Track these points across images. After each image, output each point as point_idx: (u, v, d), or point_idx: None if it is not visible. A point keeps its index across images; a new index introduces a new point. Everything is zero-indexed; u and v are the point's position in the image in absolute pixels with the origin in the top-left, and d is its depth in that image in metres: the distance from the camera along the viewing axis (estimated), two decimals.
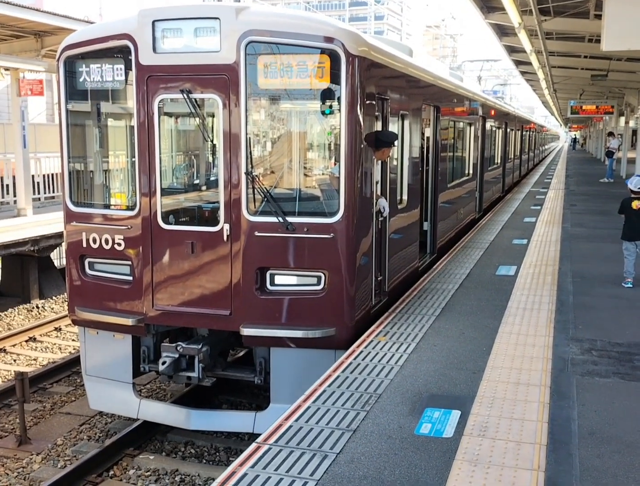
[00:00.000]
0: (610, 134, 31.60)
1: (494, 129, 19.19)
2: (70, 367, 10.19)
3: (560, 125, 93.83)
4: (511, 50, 23.92)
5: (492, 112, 18.45)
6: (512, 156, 25.88)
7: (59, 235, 13.76)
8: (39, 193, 18.82)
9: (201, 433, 7.72)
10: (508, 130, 23.21)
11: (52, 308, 13.91)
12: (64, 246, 7.91)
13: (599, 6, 13.76)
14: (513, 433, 4.68)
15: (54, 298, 14.50)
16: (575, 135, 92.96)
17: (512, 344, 6.61)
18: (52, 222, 14.28)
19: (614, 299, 8.56)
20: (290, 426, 4.81)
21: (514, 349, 6.46)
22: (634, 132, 36.12)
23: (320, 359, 6.71)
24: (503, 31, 20.28)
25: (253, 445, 4.54)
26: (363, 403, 5.18)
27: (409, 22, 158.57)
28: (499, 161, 21.13)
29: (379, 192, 7.59)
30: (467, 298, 8.39)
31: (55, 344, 11.62)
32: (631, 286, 9.09)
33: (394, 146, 7.82)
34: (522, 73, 32.75)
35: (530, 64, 22.11)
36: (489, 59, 54.47)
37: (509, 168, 24.34)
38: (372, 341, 6.67)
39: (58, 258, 16.50)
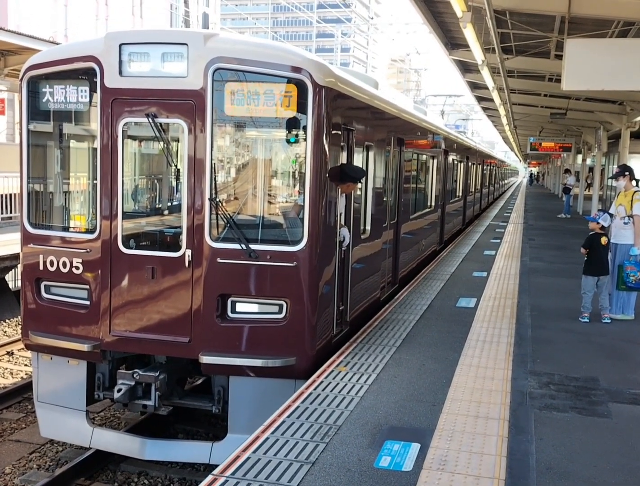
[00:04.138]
0: (567, 171, 32.37)
1: (455, 162, 19.49)
2: (21, 393, 9.88)
3: (520, 160, 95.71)
4: (474, 86, 24.47)
5: (454, 146, 18.76)
6: (473, 190, 26.29)
7: (15, 257, 13.45)
8: None
9: (155, 464, 7.52)
10: (469, 164, 23.60)
11: (5, 331, 13.54)
12: (19, 268, 7.72)
13: (559, 47, 14.19)
14: (472, 467, 4.67)
15: (7, 321, 14.13)
16: (532, 171, 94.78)
17: (472, 376, 6.63)
18: (8, 243, 13.94)
19: (571, 333, 8.68)
20: (248, 458, 4.72)
21: (473, 382, 6.49)
22: (591, 169, 37.04)
23: (280, 389, 6.63)
24: (466, 68, 20.74)
25: (209, 477, 4.44)
26: (322, 435, 5.13)
27: (374, 56, 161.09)
28: (460, 194, 21.43)
29: (342, 222, 7.61)
30: (428, 329, 8.41)
31: (6, 369, 11.29)
32: (588, 321, 9.24)
33: (360, 182, 7.86)
34: (484, 109, 33.47)
35: (492, 100, 22.60)
36: (452, 94, 55.53)
37: (469, 201, 24.71)
38: (332, 371, 6.62)
39: (13, 280, 16.10)
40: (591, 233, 9.35)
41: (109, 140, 6.76)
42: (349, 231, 7.72)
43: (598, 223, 9.23)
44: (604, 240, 9.14)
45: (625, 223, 9.40)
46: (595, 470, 4.78)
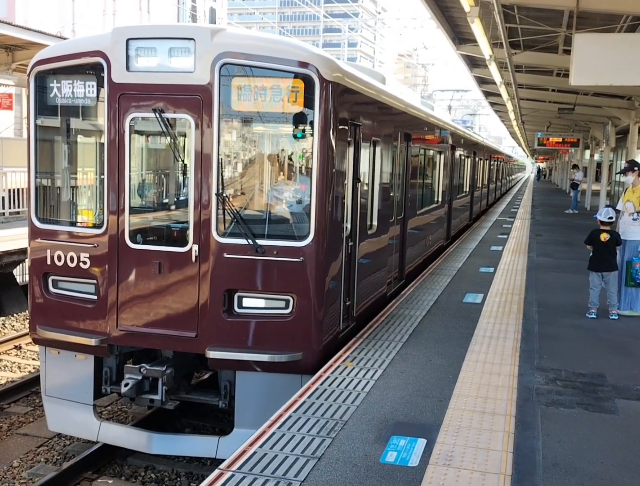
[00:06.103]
0: (575, 166, 32.26)
1: (463, 158, 19.44)
2: (29, 387, 9.93)
3: (527, 156, 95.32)
4: (481, 81, 24.39)
5: (462, 141, 18.71)
6: (480, 185, 26.21)
7: (23, 251, 13.49)
8: (3, 208, 18.47)
9: (162, 458, 7.55)
10: (477, 159, 23.52)
11: (13, 326, 13.60)
12: (27, 262, 7.74)
13: (567, 42, 14.12)
14: (478, 463, 4.67)
15: (15, 315, 14.18)
16: (539, 166, 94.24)
17: (478, 372, 6.63)
18: (15, 238, 13.98)
19: (578, 329, 8.66)
20: (255, 453, 4.73)
21: (479, 377, 6.48)
22: (599, 165, 36.89)
23: (286, 384, 6.64)
24: (474, 62, 20.67)
25: (216, 472, 4.45)
26: (329, 430, 5.13)
27: (381, 50, 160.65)
28: (467, 190, 21.38)
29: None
30: (435, 325, 8.41)
31: (14, 363, 11.34)
32: (595, 316, 9.21)
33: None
34: (492, 104, 33.38)
35: (499, 95, 22.53)
36: (459, 89, 55.21)
37: (476, 197, 24.64)
38: (339, 366, 6.63)
39: (21, 274, 16.17)
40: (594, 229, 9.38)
41: (116, 135, 6.77)
42: (356, 226, 7.71)
43: (597, 219, 9.30)
44: (603, 237, 9.13)
45: (634, 219, 9.36)
46: (602, 466, 4.78)
